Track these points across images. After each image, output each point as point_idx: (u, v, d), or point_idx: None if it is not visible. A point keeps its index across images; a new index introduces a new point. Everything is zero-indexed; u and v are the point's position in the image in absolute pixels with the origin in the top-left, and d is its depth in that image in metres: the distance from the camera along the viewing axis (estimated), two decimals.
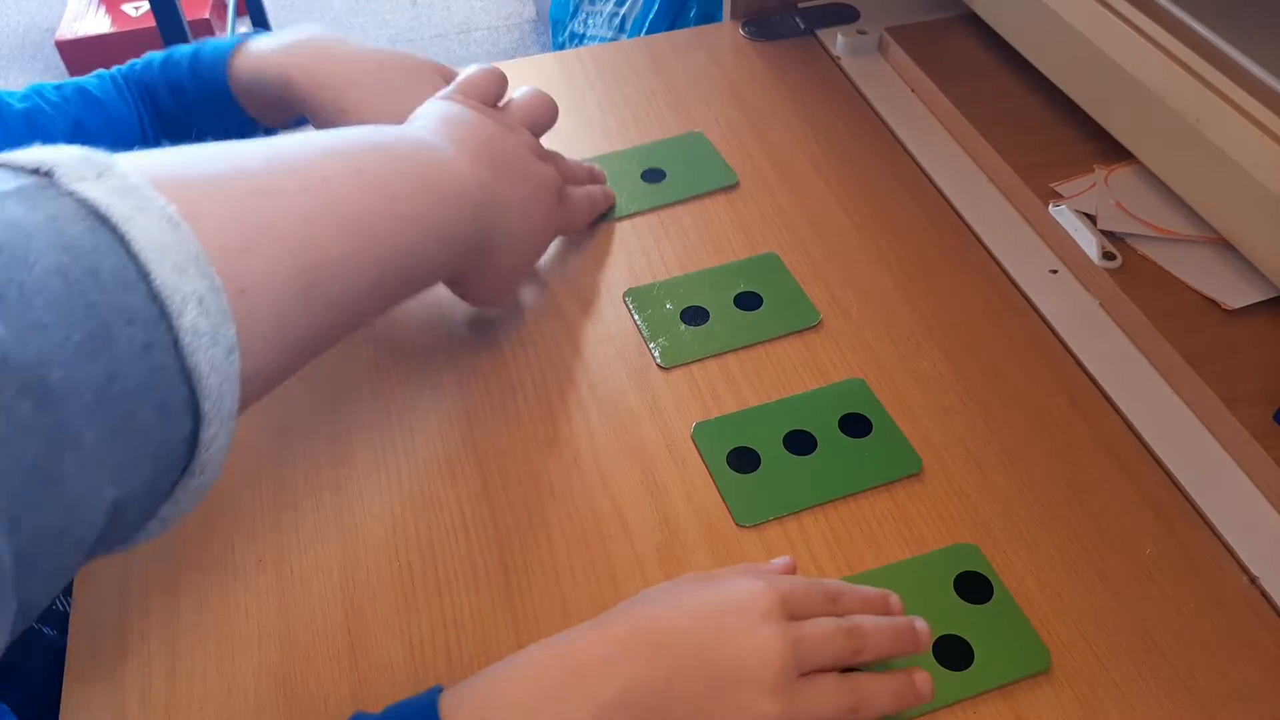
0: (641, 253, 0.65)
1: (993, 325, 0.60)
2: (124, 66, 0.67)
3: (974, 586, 0.47)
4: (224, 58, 0.65)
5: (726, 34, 0.84)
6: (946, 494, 0.51)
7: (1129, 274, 0.59)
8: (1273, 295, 0.57)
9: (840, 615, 0.41)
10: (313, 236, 0.37)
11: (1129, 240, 0.61)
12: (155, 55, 0.67)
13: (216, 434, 0.32)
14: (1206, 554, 0.49)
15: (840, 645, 0.40)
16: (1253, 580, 0.48)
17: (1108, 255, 0.60)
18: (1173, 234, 0.61)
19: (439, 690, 0.39)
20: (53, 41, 1.95)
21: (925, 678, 0.41)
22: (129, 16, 2.00)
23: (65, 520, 0.28)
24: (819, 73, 0.79)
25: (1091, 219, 0.62)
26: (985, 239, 0.65)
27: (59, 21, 2.01)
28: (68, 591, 0.50)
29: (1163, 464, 0.52)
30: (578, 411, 0.56)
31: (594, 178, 0.67)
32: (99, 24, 1.99)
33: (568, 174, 0.62)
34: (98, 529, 0.30)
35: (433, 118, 0.51)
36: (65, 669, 0.46)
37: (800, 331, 0.59)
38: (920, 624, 0.42)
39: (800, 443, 0.53)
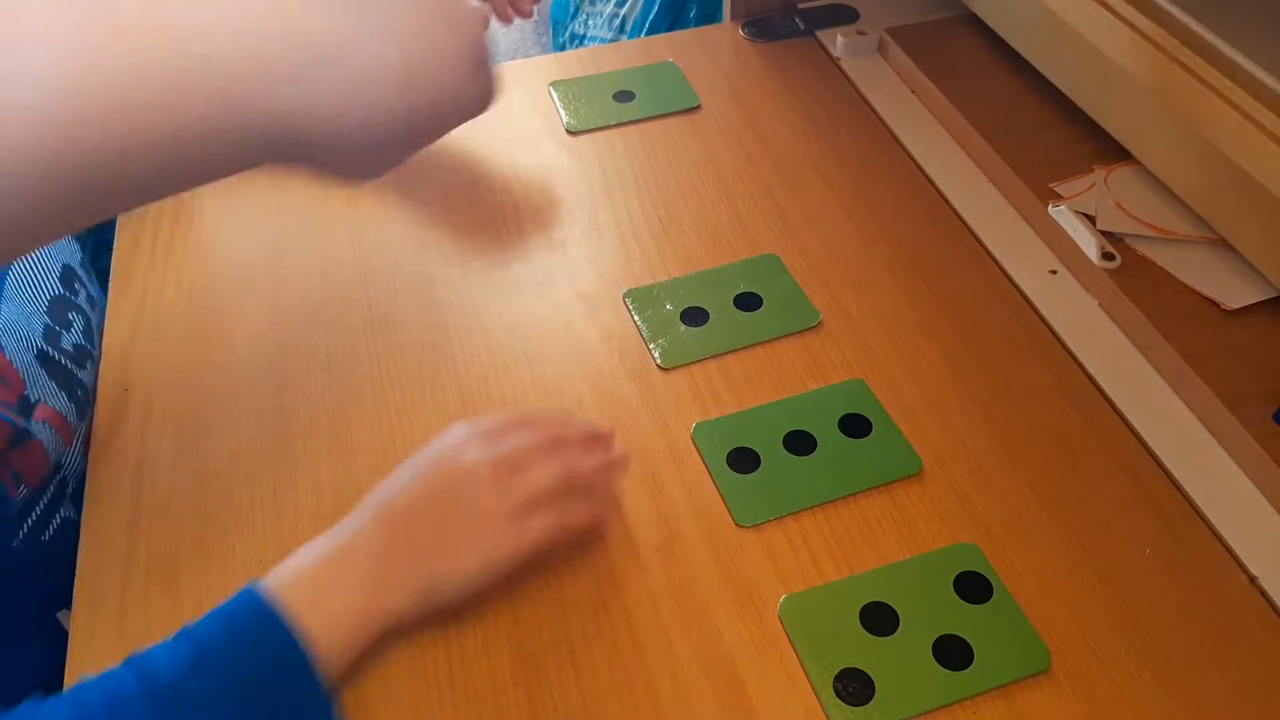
0: (641, 253, 0.65)
1: (993, 325, 0.60)
2: None
3: (974, 586, 0.47)
4: None
5: (726, 34, 0.84)
6: (946, 494, 0.51)
7: (1129, 274, 0.59)
8: (1272, 295, 0.57)
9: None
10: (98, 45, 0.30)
11: (1129, 240, 0.61)
12: None
13: None
14: (1206, 554, 0.49)
15: (552, 485, 0.45)
16: (1252, 580, 0.48)
17: (1107, 255, 0.60)
18: (1173, 234, 0.61)
19: (253, 584, 0.42)
20: None
21: (622, 452, 0.49)
22: None
23: None
24: (819, 73, 0.79)
25: (1091, 219, 0.62)
26: (985, 239, 0.65)
27: None
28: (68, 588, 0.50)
29: (1163, 464, 0.52)
30: (578, 411, 0.56)
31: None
32: None
33: None
34: None
35: None
36: (65, 669, 0.46)
37: (800, 332, 0.59)
38: (617, 453, 0.49)
39: (800, 443, 0.53)
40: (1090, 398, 0.55)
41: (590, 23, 1.77)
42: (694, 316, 0.60)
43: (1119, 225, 0.62)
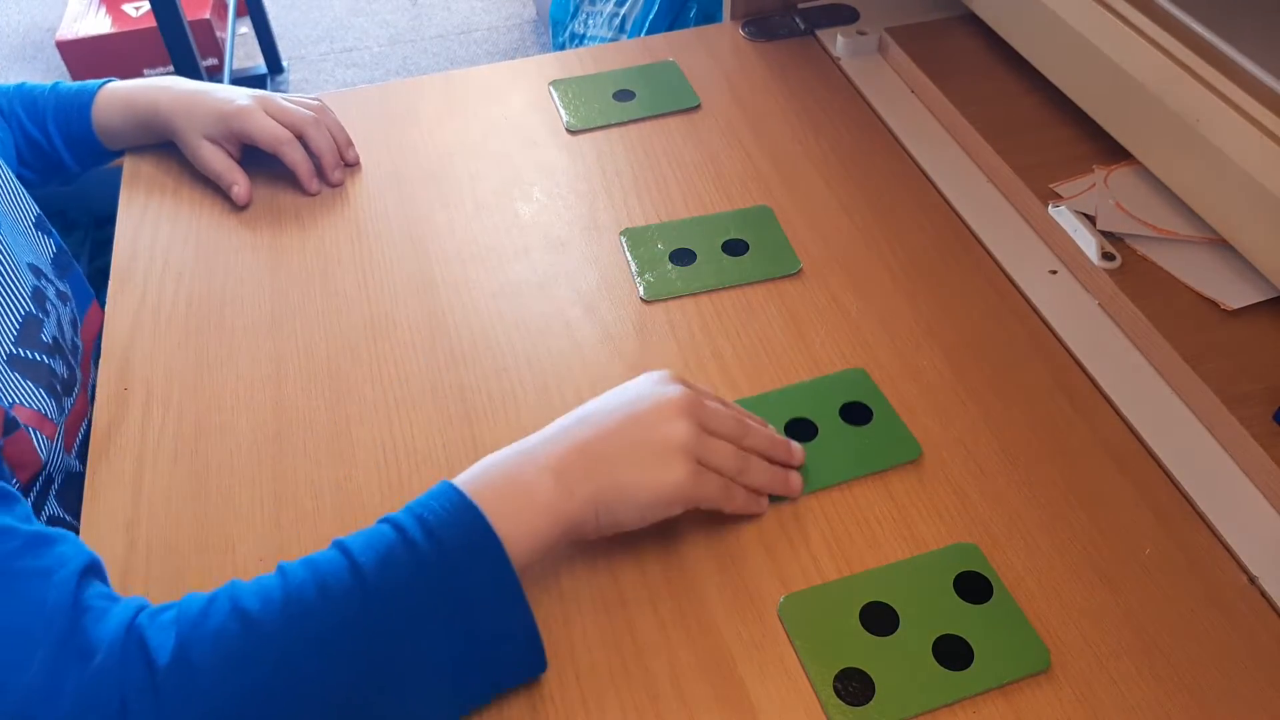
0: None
1: (993, 325, 0.60)
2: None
3: (974, 586, 0.47)
4: (91, 88, 0.71)
5: (726, 34, 0.84)
6: (946, 494, 0.51)
7: (1129, 274, 0.59)
8: (1273, 295, 0.57)
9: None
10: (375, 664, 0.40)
11: (1129, 240, 0.61)
12: (22, 83, 0.73)
13: None
14: (1206, 554, 0.49)
15: (731, 463, 0.48)
16: (1252, 580, 0.48)
17: (1107, 255, 0.60)
18: (1173, 234, 0.61)
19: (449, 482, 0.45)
20: (53, 42, 1.95)
21: (797, 479, 0.51)
22: (129, 17, 2.00)
23: None
24: (819, 73, 0.79)
25: (1091, 219, 0.62)
26: (985, 239, 0.65)
27: (59, 22, 2.01)
28: None
29: (1163, 464, 0.52)
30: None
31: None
32: (99, 24, 1.99)
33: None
34: None
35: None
36: None
37: (780, 279, 0.59)
38: (797, 448, 0.52)
39: (802, 430, 0.54)
40: (1090, 398, 0.56)
41: (590, 22, 1.77)
42: (682, 257, 0.63)
43: (1119, 225, 0.62)
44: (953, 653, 0.45)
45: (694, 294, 0.62)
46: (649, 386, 0.48)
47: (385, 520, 0.43)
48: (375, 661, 0.40)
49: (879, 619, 0.46)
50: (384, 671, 0.40)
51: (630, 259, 0.64)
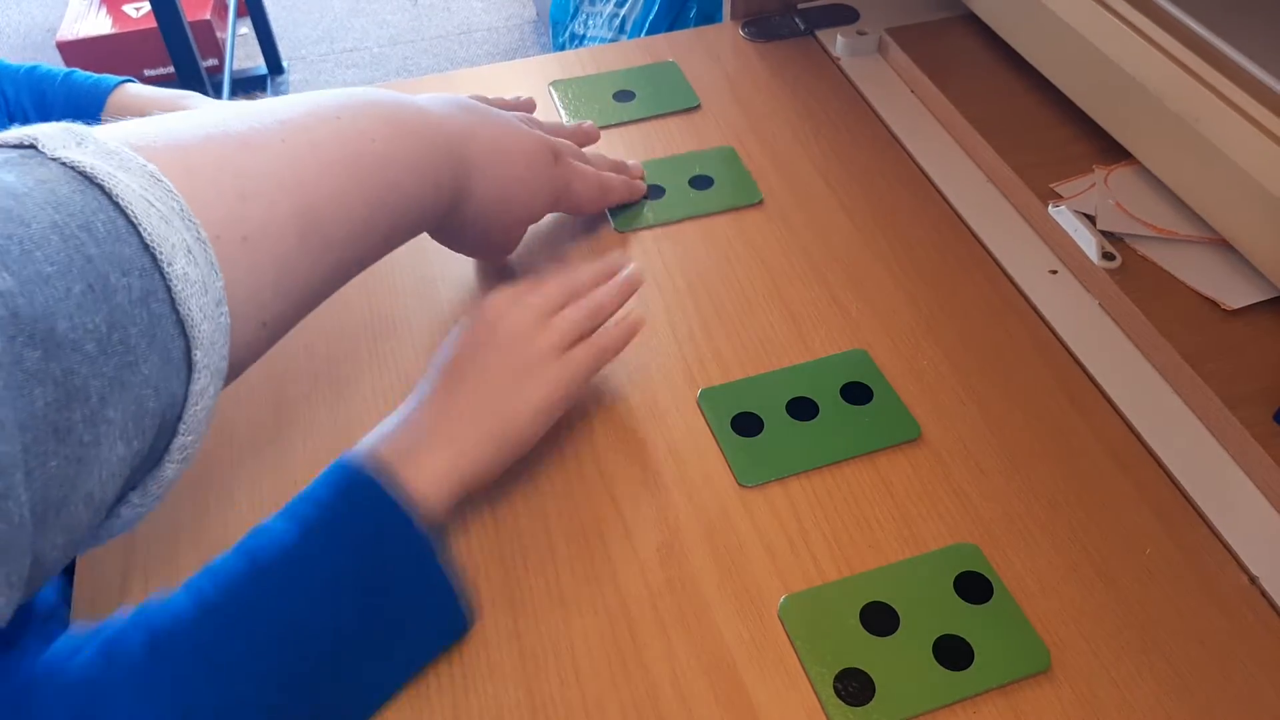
0: (641, 253, 0.65)
1: (993, 325, 0.60)
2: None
3: (974, 586, 0.47)
4: (104, 89, 0.71)
5: (726, 34, 0.84)
6: (946, 494, 0.51)
7: (1129, 274, 0.59)
8: (1273, 295, 0.57)
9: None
10: (304, 179, 0.39)
11: (1129, 240, 0.61)
12: (33, 66, 0.73)
13: (206, 387, 0.33)
14: (1206, 554, 0.49)
15: (585, 319, 0.52)
16: (1253, 580, 0.48)
17: (1107, 255, 0.60)
18: (1173, 234, 0.61)
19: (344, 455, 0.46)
20: (54, 42, 1.95)
21: (637, 314, 0.54)
22: (130, 17, 2.00)
23: (77, 473, 0.29)
24: (819, 73, 0.79)
25: (1091, 219, 0.62)
26: (985, 239, 0.65)
27: (60, 22, 2.01)
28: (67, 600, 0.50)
29: (1163, 464, 0.52)
30: (577, 428, 0.56)
31: (618, 168, 0.67)
32: (100, 24, 1.99)
33: (572, 148, 0.62)
34: (112, 489, 0.30)
35: (441, 95, 0.55)
36: None
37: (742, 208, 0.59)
38: (629, 272, 0.55)
39: (803, 409, 0.55)
40: (1090, 398, 0.56)
41: (590, 23, 1.77)
42: (652, 193, 0.67)
43: (1119, 225, 0.62)
44: (953, 653, 0.45)
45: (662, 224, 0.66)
46: (491, 309, 0.51)
47: (287, 511, 0.45)
48: (299, 645, 0.40)
49: (879, 619, 0.46)
50: (308, 654, 0.41)
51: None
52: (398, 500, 0.44)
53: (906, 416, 0.54)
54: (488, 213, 0.54)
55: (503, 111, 0.58)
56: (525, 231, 0.60)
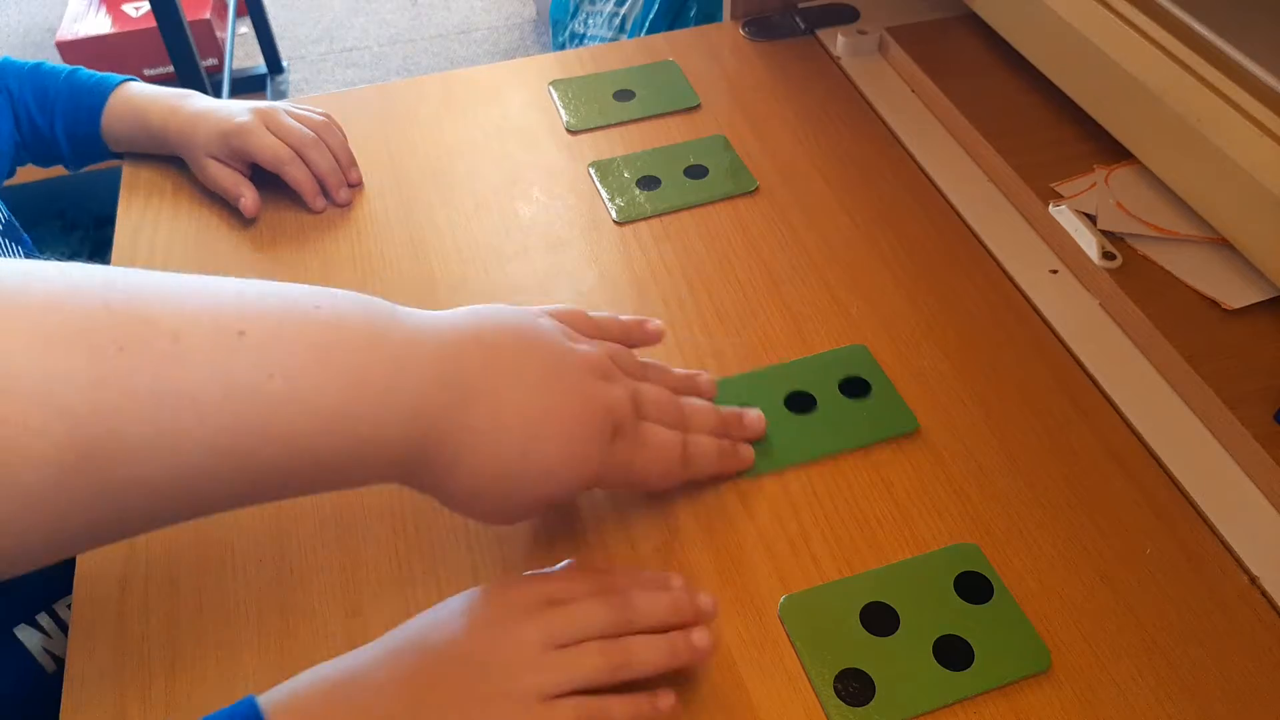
0: (641, 252, 0.65)
1: (993, 325, 0.60)
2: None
3: (974, 586, 0.47)
4: (106, 88, 0.71)
5: (726, 34, 0.84)
6: (947, 494, 0.51)
7: (1129, 274, 0.59)
8: (1273, 295, 0.57)
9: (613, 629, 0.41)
10: (109, 407, 0.30)
11: (1129, 240, 0.61)
12: (38, 64, 0.73)
13: None
14: (1206, 554, 0.49)
15: (601, 615, 0.40)
16: (1253, 580, 0.48)
17: (1108, 255, 0.60)
18: (1173, 234, 0.61)
19: (253, 698, 0.38)
20: (53, 42, 1.95)
21: (703, 634, 0.41)
22: (129, 17, 2.00)
23: None
24: (819, 73, 0.79)
25: (1091, 219, 0.62)
26: (985, 239, 0.65)
27: (59, 22, 2.01)
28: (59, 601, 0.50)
29: (1163, 464, 0.52)
30: None
31: (725, 426, 0.50)
32: (99, 24, 1.99)
33: (657, 406, 0.46)
34: None
35: (466, 308, 0.42)
36: (65, 668, 0.46)
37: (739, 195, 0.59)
38: (704, 597, 0.43)
39: (801, 404, 0.55)
40: (1090, 398, 0.55)
41: (590, 22, 1.77)
42: (648, 183, 0.68)
43: (1120, 225, 0.62)
44: (953, 653, 0.45)
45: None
46: (489, 608, 0.41)
47: None
48: None
49: (879, 619, 0.46)
50: None
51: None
52: None
53: (905, 410, 0.54)
54: (481, 486, 0.40)
55: (565, 345, 0.42)
56: (542, 511, 0.46)
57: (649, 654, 0.40)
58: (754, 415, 0.51)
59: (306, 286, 0.37)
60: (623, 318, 0.49)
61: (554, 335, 0.42)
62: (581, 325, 0.46)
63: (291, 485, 0.37)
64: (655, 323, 0.50)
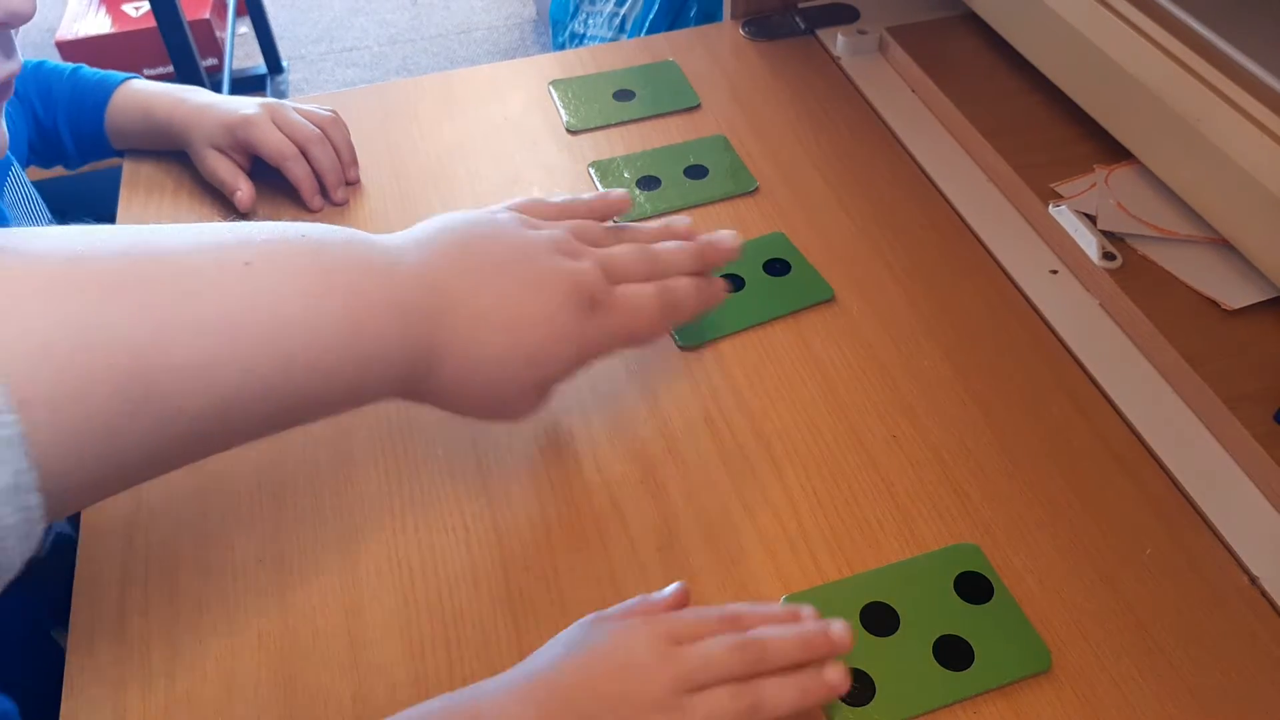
0: None
1: (993, 325, 0.59)
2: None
3: (974, 586, 0.47)
4: (110, 85, 0.71)
5: (726, 34, 0.84)
6: (946, 494, 0.51)
7: (1129, 274, 0.59)
8: (1273, 295, 0.57)
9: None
10: (154, 339, 0.33)
11: (1129, 240, 0.61)
12: (41, 61, 0.74)
13: None
14: (1206, 554, 0.49)
15: (732, 656, 0.40)
16: (1253, 580, 0.48)
17: (1108, 255, 0.60)
18: (1173, 234, 0.61)
19: None
20: (53, 42, 1.95)
21: (838, 669, 0.41)
22: (129, 17, 2.00)
23: None
24: (819, 73, 0.79)
25: (1091, 219, 0.62)
26: (985, 239, 0.65)
27: (59, 22, 2.01)
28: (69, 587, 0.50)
29: (1163, 464, 0.52)
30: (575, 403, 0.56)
31: (702, 258, 0.49)
32: (99, 24, 1.99)
33: (626, 267, 0.46)
34: None
35: (426, 223, 0.44)
36: (65, 669, 0.46)
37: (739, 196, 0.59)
38: (836, 626, 0.41)
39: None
40: (1090, 398, 0.55)
41: (590, 22, 1.77)
42: (648, 183, 0.68)
43: (1120, 225, 0.62)
44: (953, 653, 0.45)
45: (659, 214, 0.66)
46: (617, 643, 0.41)
47: None
48: None
49: (880, 619, 0.46)
50: None
51: None
52: None
53: (820, 281, 0.61)
54: (475, 385, 0.42)
55: (526, 234, 0.44)
56: (543, 397, 0.45)
57: (782, 696, 0.40)
58: (727, 235, 0.50)
59: (279, 223, 0.40)
60: (586, 195, 0.50)
61: (513, 225, 0.45)
62: (544, 211, 0.48)
63: (313, 407, 0.39)
64: (618, 192, 0.52)
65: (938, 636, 0.45)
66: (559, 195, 0.50)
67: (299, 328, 0.36)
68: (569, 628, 0.42)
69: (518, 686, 0.40)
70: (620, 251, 0.46)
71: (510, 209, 0.47)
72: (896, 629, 0.46)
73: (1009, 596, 0.47)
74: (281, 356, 0.36)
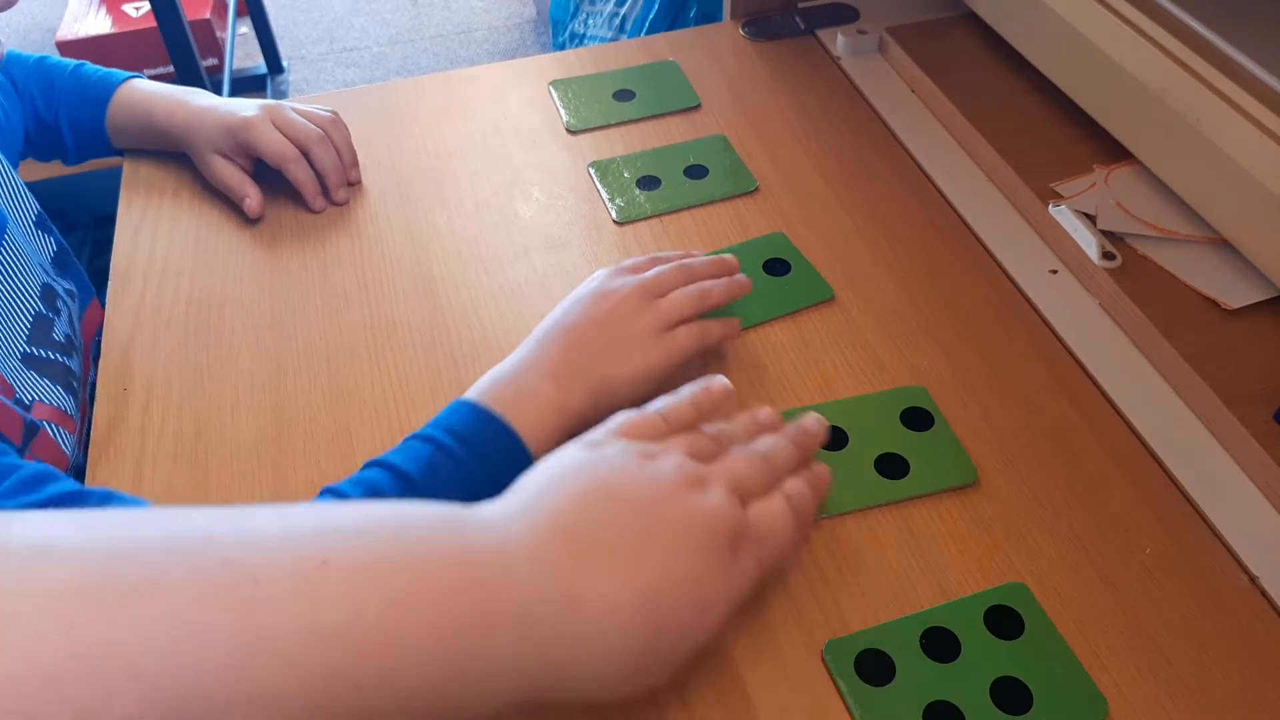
0: (641, 251, 0.65)
1: (993, 325, 0.59)
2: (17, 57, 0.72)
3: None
4: (112, 83, 0.71)
5: (726, 34, 0.84)
6: (946, 493, 0.51)
7: (1129, 274, 0.59)
8: (1273, 295, 0.57)
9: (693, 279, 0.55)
10: (188, 661, 0.27)
11: (1129, 240, 0.61)
12: (44, 57, 0.73)
13: None
14: (1206, 554, 0.49)
15: (682, 291, 0.54)
16: (1253, 580, 0.48)
17: (1108, 255, 0.60)
18: (1173, 234, 0.61)
19: (462, 398, 0.50)
20: (53, 42, 1.95)
21: (734, 260, 0.58)
22: (129, 17, 2.00)
23: None
24: (819, 73, 0.79)
25: (1091, 219, 0.62)
26: (985, 239, 0.65)
27: (59, 22, 2.01)
28: None
29: (1163, 464, 0.52)
30: None
31: (801, 450, 0.45)
32: (99, 24, 1.99)
33: (749, 482, 0.41)
34: None
35: (539, 475, 0.38)
36: None
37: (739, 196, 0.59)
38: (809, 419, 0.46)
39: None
40: (1090, 398, 0.55)
41: (590, 22, 1.77)
42: (648, 183, 0.68)
43: (1119, 225, 0.62)
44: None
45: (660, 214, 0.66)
46: (605, 284, 0.54)
47: (415, 437, 0.48)
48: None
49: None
50: None
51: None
52: (512, 431, 0.47)
53: (819, 282, 0.59)
54: (622, 684, 0.36)
55: (650, 475, 0.37)
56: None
57: (718, 290, 0.55)
58: (812, 419, 0.46)
59: (377, 503, 0.35)
60: (684, 393, 0.45)
61: (628, 470, 0.38)
62: (655, 431, 0.42)
63: None
64: (719, 380, 0.46)
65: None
66: (662, 401, 0.44)
67: (385, 645, 0.30)
68: (573, 292, 0.55)
69: (536, 342, 0.52)
70: (741, 468, 0.41)
71: (620, 434, 0.41)
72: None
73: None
74: (348, 681, 0.30)
